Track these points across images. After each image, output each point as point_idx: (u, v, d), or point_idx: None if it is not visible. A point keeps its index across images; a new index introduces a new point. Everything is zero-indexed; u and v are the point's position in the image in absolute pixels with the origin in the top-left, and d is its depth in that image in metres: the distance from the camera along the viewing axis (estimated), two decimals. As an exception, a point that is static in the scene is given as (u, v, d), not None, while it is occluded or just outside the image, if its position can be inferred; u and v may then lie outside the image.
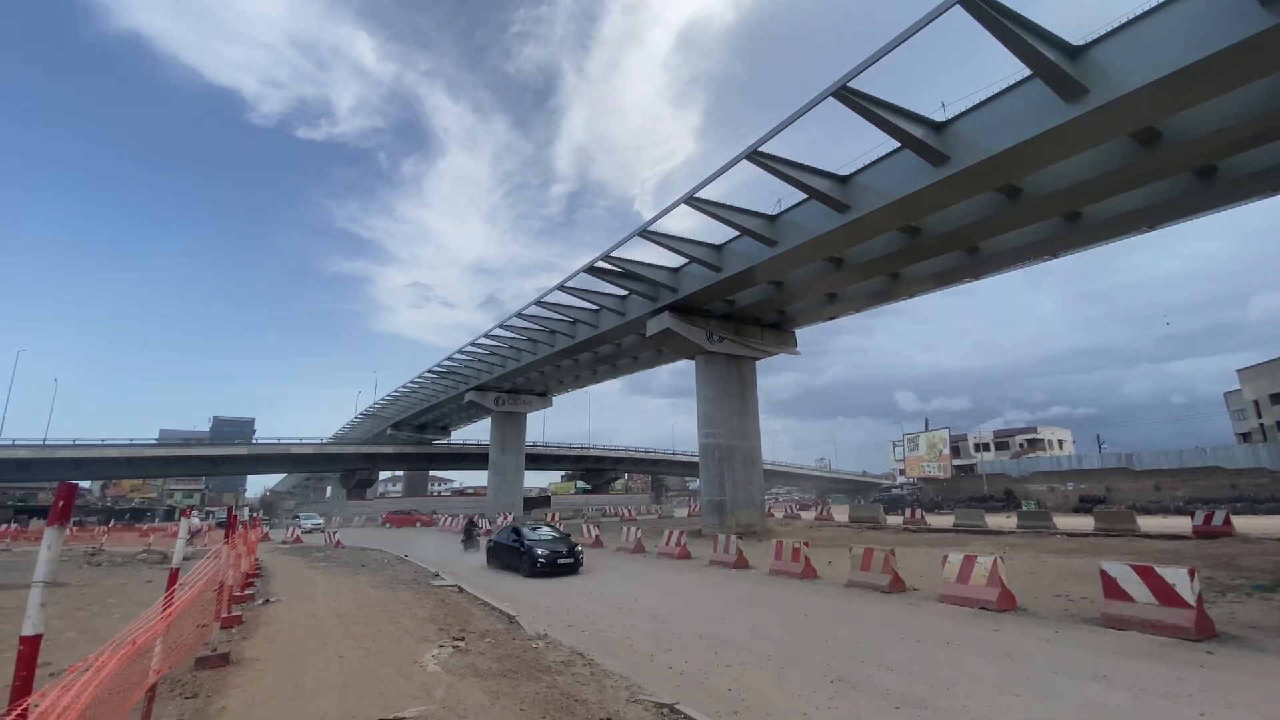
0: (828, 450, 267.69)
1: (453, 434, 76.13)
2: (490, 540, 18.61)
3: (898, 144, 16.51)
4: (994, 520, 31.02)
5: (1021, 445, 74.51)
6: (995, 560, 10.64)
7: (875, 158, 18.27)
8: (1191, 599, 8.00)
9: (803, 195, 20.18)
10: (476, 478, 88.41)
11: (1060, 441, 76.90)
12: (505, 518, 41.36)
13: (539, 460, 77.55)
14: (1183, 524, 25.26)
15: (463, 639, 8.51)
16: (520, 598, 12.51)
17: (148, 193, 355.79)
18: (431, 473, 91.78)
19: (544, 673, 6.80)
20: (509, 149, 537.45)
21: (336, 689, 6.38)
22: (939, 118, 16.10)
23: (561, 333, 36.07)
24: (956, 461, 68.36)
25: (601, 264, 26.98)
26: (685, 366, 43.36)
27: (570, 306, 33.26)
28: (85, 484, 76.95)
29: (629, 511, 50.50)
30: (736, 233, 23.32)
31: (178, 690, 6.36)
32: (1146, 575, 8.51)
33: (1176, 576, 8.21)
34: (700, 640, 8.51)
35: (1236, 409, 54.29)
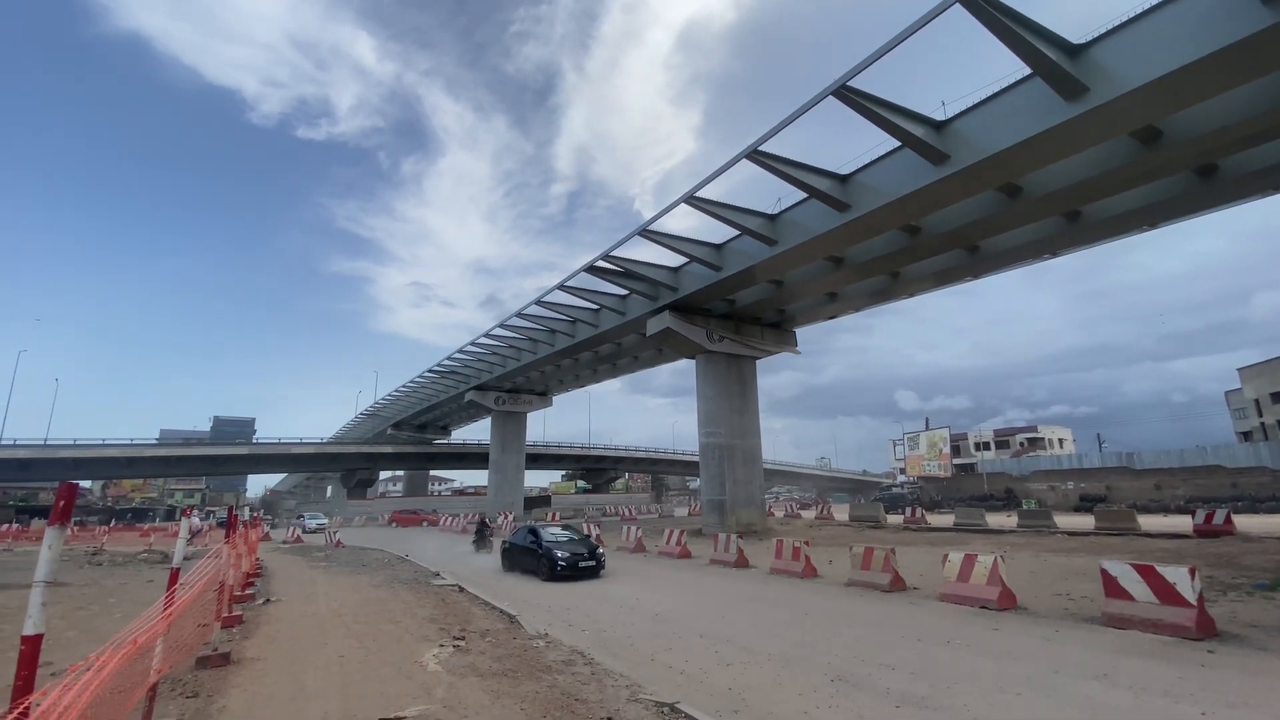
0: (828, 449, 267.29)
1: (453, 433, 76.28)
2: (505, 542, 17.89)
3: (898, 143, 16.49)
4: (994, 519, 31.04)
5: (1022, 444, 74.51)
6: (996, 559, 10.64)
7: (875, 157, 18.26)
8: (1192, 598, 8.00)
9: (803, 194, 20.16)
10: (477, 477, 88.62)
11: (1061, 440, 76.88)
12: (505, 517, 41.37)
13: (539, 460, 77.56)
14: (1183, 523, 25.27)
15: (463, 638, 8.52)
16: (520, 596, 12.52)
17: (148, 193, 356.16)
18: (432, 472, 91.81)
19: (545, 672, 6.80)
20: (509, 148, 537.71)
21: (337, 688, 6.38)
22: (939, 117, 16.08)
23: (562, 332, 36.15)
24: (957, 460, 68.28)
25: (602, 263, 26.99)
26: (686, 366, 43.41)
27: (571, 306, 33.29)
28: (86, 484, 76.96)
29: (629, 511, 50.54)
30: (737, 232, 23.31)
31: (179, 690, 6.36)
32: (1147, 574, 8.51)
33: (1177, 575, 8.21)
34: (701, 639, 8.52)
35: (1237, 408, 54.25)
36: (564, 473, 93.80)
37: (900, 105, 15.64)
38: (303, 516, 46.67)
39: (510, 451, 51.73)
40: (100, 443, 57.06)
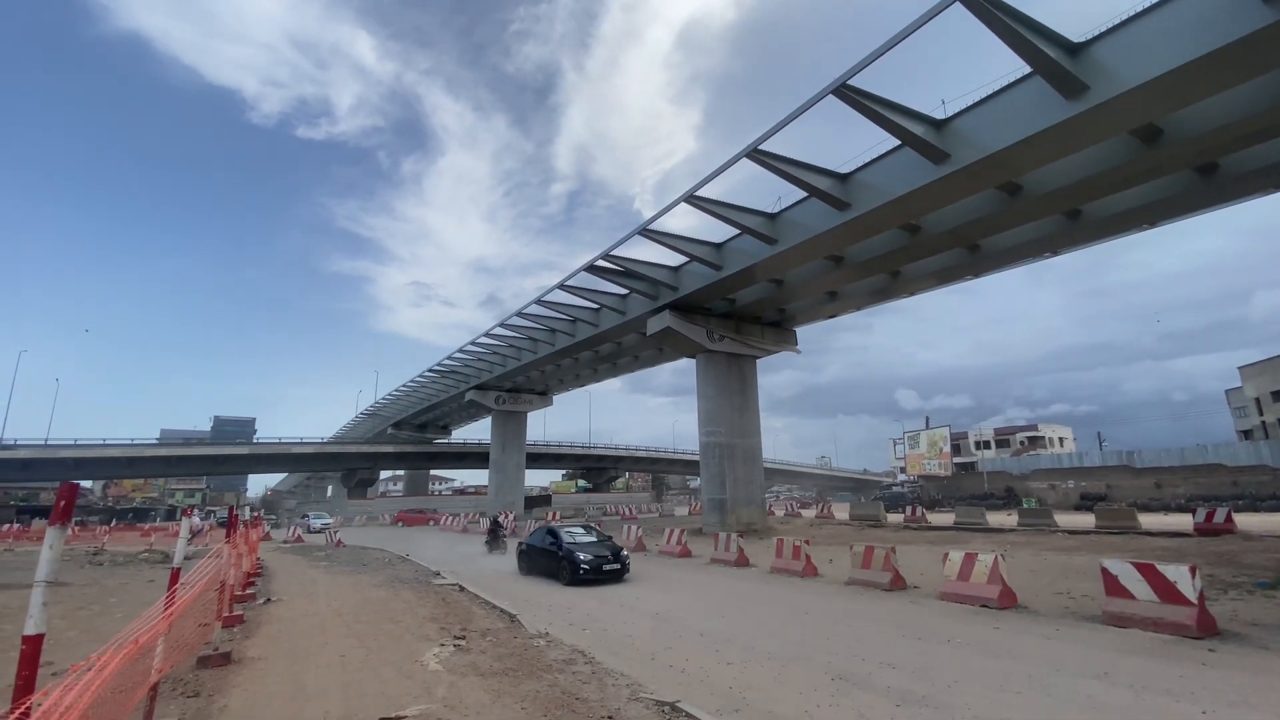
0: (828, 448, 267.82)
1: (453, 433, 76.36)
2: (521, 543, 17.05)
3: (898, 142, 16.50)
4: (995, 518, 31.04)
5: (1022, 443, 74.47)
6: (996, 558, 10.65)
7: (875, 155, 18.27)
8: (1193, 596, 8.00)
9: (803, 193, 20.18)
10: (478, 477, 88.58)
11: (1061, 439, 76.86)
12: (506, 516, 41.39)
13: (540, 459, 77.51)
14: (1184, 521, 25.30)
15: (464, 638, 8.52)
16: (521, 595, 12.53)
17: (148, 193, 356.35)
18: (432, 472, 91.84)
19: (545, 671, 6.81)
20: (509, 147, 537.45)
21: (338, 688, 6.39)
22: (939, 115, 16.07)
23: (562, 331, 36.23)
24: (957, 459, 68.23)
25: (602, 263, 27.01)
26: (686, 365, 43.41)
27: (571, 305, 33.36)
28: (87, 484, 77.02)
29: (630, 510, 50.61)
30: (737, 231, 23.34)
31: (180, 689, 6.37)
32: (1148, 573, 8.51)
33: (1178, 574, 8.21)
34: (701, 638, 8.52)
35: (1238, 406, 54.21)
36: (564, 472, 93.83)
37: (900, 104, 15.64)
38: (307, 516, 46.58)
39: (511, 451, 51.94)
40: (101, 443, 57.08)
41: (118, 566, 19.92)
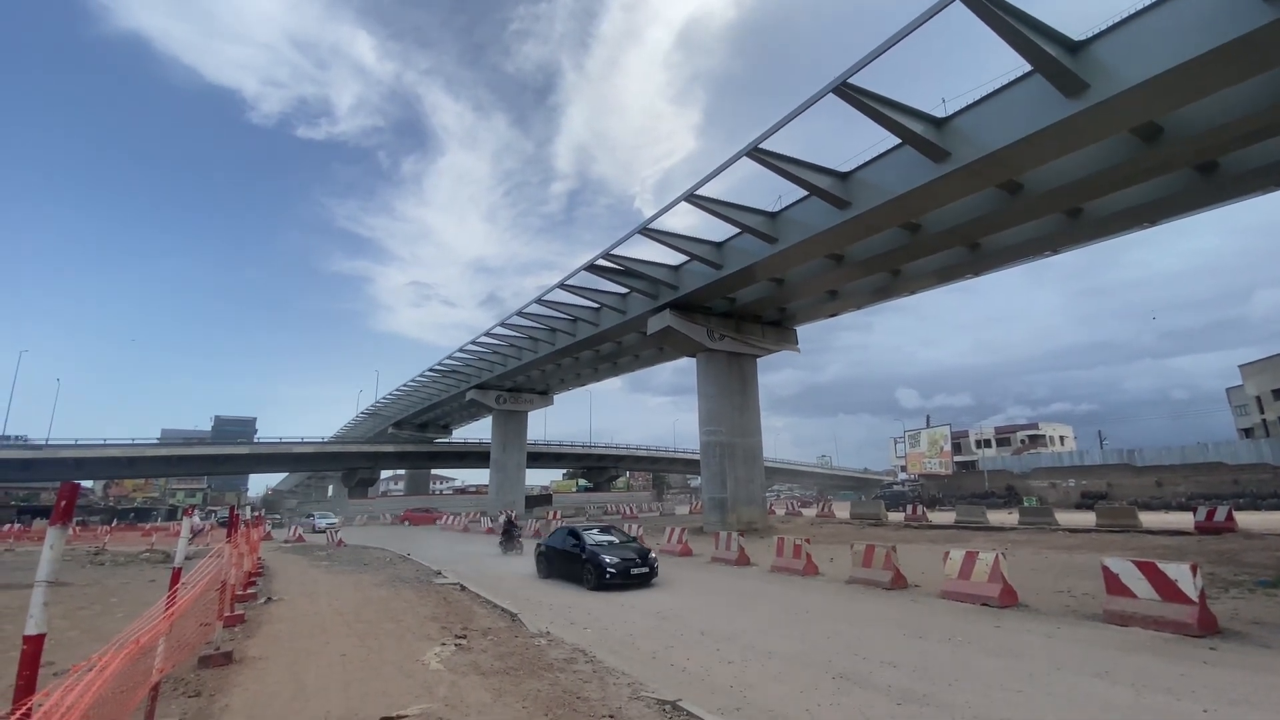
0: (829, 447, 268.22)
1: (454, 432, 76.48)
2: (540, 545, 16.28)
3: (899, 140, 16.49)
4: (995, 517, 31.03)
5: (1023, 441, 74.45)
6: (997, 556, 10.66)
7: (876, 154, 18.28)
8: (1194, 595, 8.00)
9: (803, 192, 20.20)
10: (479, 476, 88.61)
11: (1062, 438, 76.80)
12: (505, 514, 41.29)
13: (540, 459, 77.56)
14: (1185, 520, 25.27)
15: (465, 637, 8.53)
16: (521, 594, 12.54)
17: (148, 193, 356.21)
18: (433, 471, 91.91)
19: (547, 670, 6.81)
20: (509, 147, 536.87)
21: (339, 687, 6.39)
22: (940, 114, 16.07)
23: (562, 331, 36.29)
24: (958, 458, 68.21)
25: (602, 262, 27.04)
26: (687, 364, 43.41)
27: (571, 305, 33.47)
28: (88, 484, 77.07)
29: (630, 509, 50.72)
30: (737, 230, 23.38)
31: (181, 689, 6.38)
32: (1149, 571, 8.51)
33: (1179, 572, 8.21)
34: (702, 637, 8.53)
35: (1239, 404, 54.18)
36: (565, 471, 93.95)
37: (901, 102, 15.64)
38: (312, 516, 46.64)
39: (511, 450, 52.00)
40: (101, 443, 57.17)
41: (119, 566, 19.95)
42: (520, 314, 35.82)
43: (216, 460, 65.13)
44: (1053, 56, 12.84)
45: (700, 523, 29.49)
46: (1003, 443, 76.42)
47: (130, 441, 58.81)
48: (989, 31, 12.60)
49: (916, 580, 12.62)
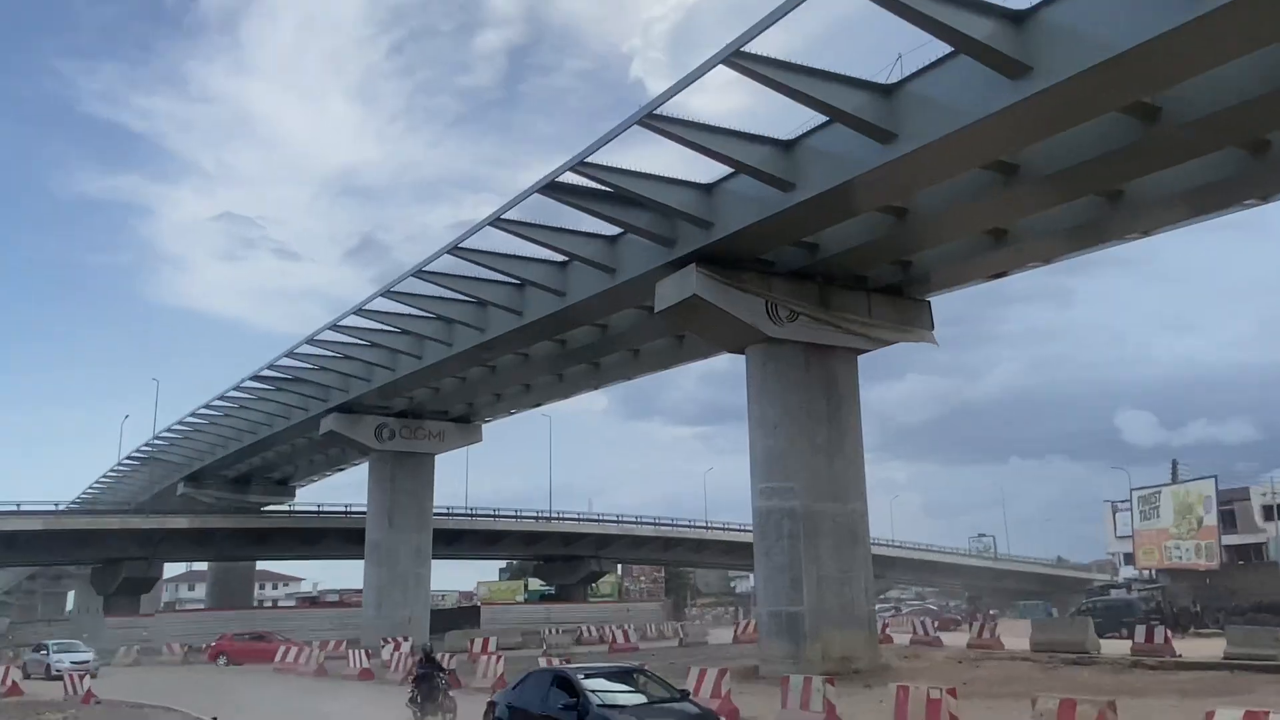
0: (992, 520, 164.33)
1: (299, 493, 55.55)
2: (497, 705, 10.74)
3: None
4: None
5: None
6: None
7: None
8: None
9: (945, 49, 13.66)
10: (348, 573, 62.70)
11: None
12: (397, 646, 24.79)
13: (459, 539, 52.40)
14: None
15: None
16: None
17: None
18: (260, 565, 65.57)
19: None
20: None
21: None
22: None
23: (497, 305, 24.83)
24: (1229, 538, 48.91)
25: (571, 177, 18.10)
26: (725, 368, 32.85)
27: (514, 257, 22.76)
28: None
29: (624, 634, 35.27)
30: (821, 119, 16.01)
31: None
32: None
33: None
34: None
35: None
36: (504, 564, 70.79)
37: None
38: (45, 649, 29.23)
39: (404, 524, 36.25)
40: None
41: None
42: (421, 273, 24.08)
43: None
44: None
45: (754, 658, 21.35)
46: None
47: None
48: None
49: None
